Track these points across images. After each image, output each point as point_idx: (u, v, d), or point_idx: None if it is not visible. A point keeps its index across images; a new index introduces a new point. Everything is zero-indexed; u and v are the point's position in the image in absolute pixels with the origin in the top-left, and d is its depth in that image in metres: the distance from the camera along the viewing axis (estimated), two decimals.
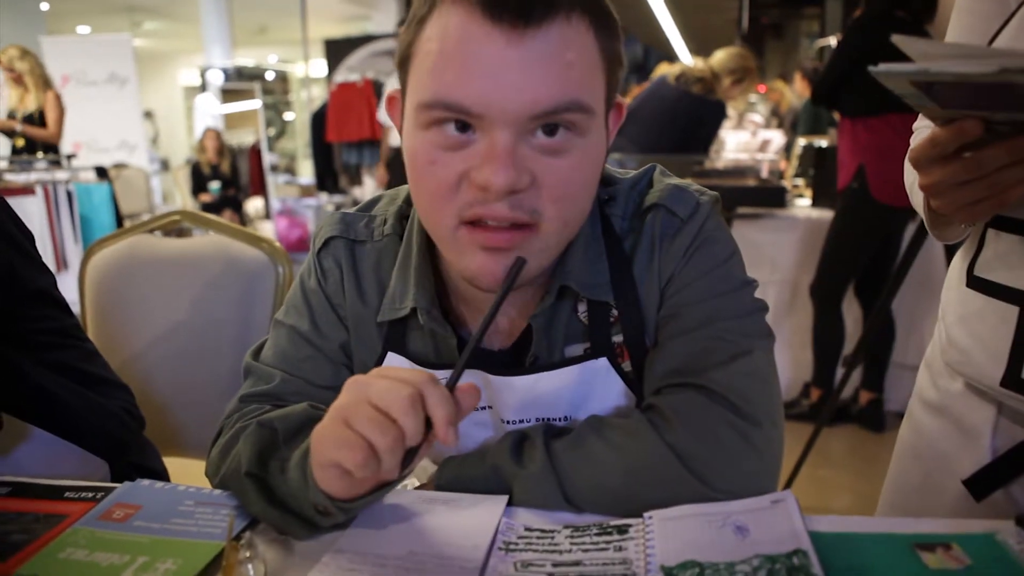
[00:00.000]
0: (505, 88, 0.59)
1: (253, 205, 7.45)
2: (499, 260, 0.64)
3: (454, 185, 0.63)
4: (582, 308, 0.75)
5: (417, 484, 0.88)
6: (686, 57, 14.40)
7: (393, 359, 0.77)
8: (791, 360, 3.19)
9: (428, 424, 0.57)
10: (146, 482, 0.72)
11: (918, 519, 0.61)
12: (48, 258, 4.03)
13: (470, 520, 0.65)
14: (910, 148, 0.63)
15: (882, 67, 0.54)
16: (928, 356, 0.87)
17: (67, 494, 0.71)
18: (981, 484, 0.74)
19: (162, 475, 1.06)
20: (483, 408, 0.77)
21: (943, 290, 0.83)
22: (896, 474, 0.89)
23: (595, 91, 0.63)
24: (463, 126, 0.62)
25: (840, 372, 2.90)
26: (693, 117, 3.48)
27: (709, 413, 0.67)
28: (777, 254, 3.16)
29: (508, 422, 0.76)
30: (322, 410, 0.66)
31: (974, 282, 0.74)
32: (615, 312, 0.74)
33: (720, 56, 3.49)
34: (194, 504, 0.68)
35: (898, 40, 0.54)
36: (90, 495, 0.70)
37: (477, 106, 0.59)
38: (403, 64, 0.66)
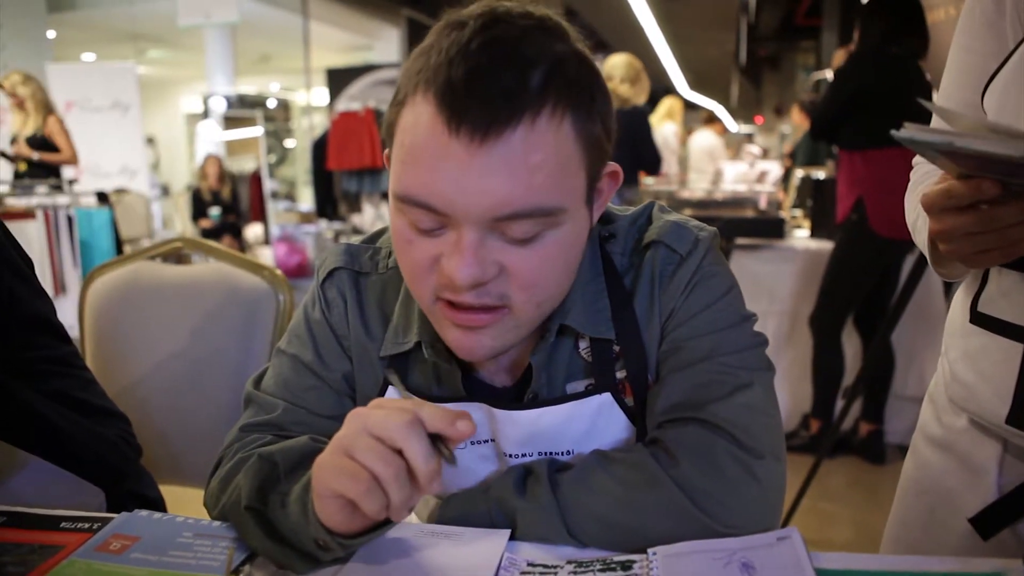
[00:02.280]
0: (468, 193, 0.59)
1: (253, 231, 7.47)
2: (472, 337, 0.66)
3: (427, 267, 0.64)
4: (583, 345, 0.75)
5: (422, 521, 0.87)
6: (684, 90, 14.55)
7: (394, 392, 0.77)
8: (790, 391, 3.18)
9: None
10: (144, 513, 0.71)
11: (924, 557, 0.61)
12: (47, 282, 4.03)
13: (472, 555, 0.64)
14: (923, 194, 0.64)
15: (905, 132, 0.55)
16: (931, 390, 0.87)
17: (63, 524, 0.70)
18: (988, 522, 0.74)
19: (159, 504, 1.05)
20: (485, 441, 0.76)
21: (946, 325, 0.83)
22: (900, 510, 0.88)
23: (567, 187, 0.62)
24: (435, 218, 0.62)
25: (840, 404, 2.89)
26: (624, 131, 3.60)
27: (712, 447, 0.67)
28: (775, 285, 3.17)
29: (510, 456, 0.75)
30: (324, 443, 0.65)
31: (977, 318, 0.74)
32: (617, 348, 0.74)
33: (614, 61, 3.66)
34: (193, 536, 0.67)
35: (933, 107, 0.55)
36: (87, 526, 0.69)
37: (442, 206, 0.60)
38: (389, 136, 0.67)
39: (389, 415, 0.57)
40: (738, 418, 0.68)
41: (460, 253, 0.61)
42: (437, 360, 0.74)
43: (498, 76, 0.57)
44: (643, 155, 3.62)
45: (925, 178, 0.85)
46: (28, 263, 0.93)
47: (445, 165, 0.59)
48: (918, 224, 0.80)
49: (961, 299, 0.80)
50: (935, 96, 2.78)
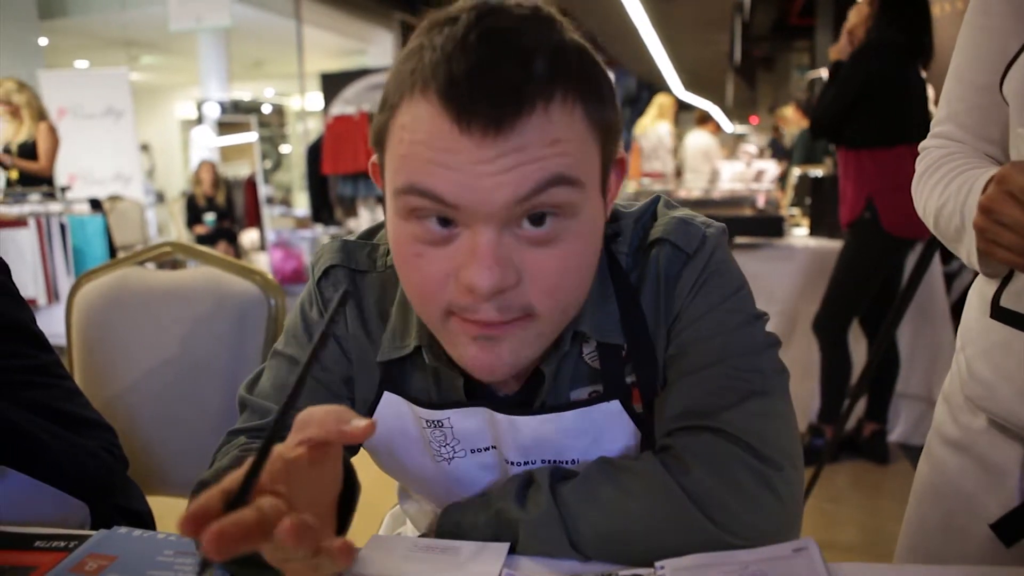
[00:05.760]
0: (482, 185, 0.54)
1: (248, 237, 7.43)
2: (492, 350, 0.60)
3: (440, 282, 0.59)
4: (587, 350, 0.71)
5: (420, 533, 0.84)
6: (680, 91, 14.56)
7: (390, 399, 0.73)
8: (791, 391, 3.14)
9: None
10: (123, 530, 0.68)
11: (944, 566, 0.58)
12: (40, 290, 3.99)
13: (470, 569, 0.60)
14: (1013, 164, 0.63)
15: None
16: (946, 389, 0.83)
17: (37, 543, 0.66)
18: (1010, 528, 0.70)
19: (146, 517, 1.01)
20: (487, 448, 0.73)
21: (962, 320, 0.80)
22: (915, 515, 0.85)
23: (584, 163, 0.58)
24: (445, 221, 0.57)
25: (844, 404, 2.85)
26: None
27: (726, 456, 0.63)
28: (775, 284, 3.13)
29: (513, 463, 0.72)
30: (250, 451, 0.61)
31: (999, 313, 0.71)
32: (624, 352, 0.71)
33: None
34: (174, 554, 0.64)
35: None
36: (62, 544, 0.65)
37: (451, 198, 0.55)
38: (379, 144, 0.62)
39: None
40: (754, 426, 0.64)
41: (478, 258, 0.55)
42: (438, 365, 0.70)
43: (503, 69, 0.53)
44: None
45: (935, 165, 0.82)
46: (4, 269, 0.90)
47: (455, 161, 0.54)
48: (945, 210, 0.76)
49: (979, 293, 0.77)
50: (930, 90, 2.76)
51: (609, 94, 0.61)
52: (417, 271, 0.60)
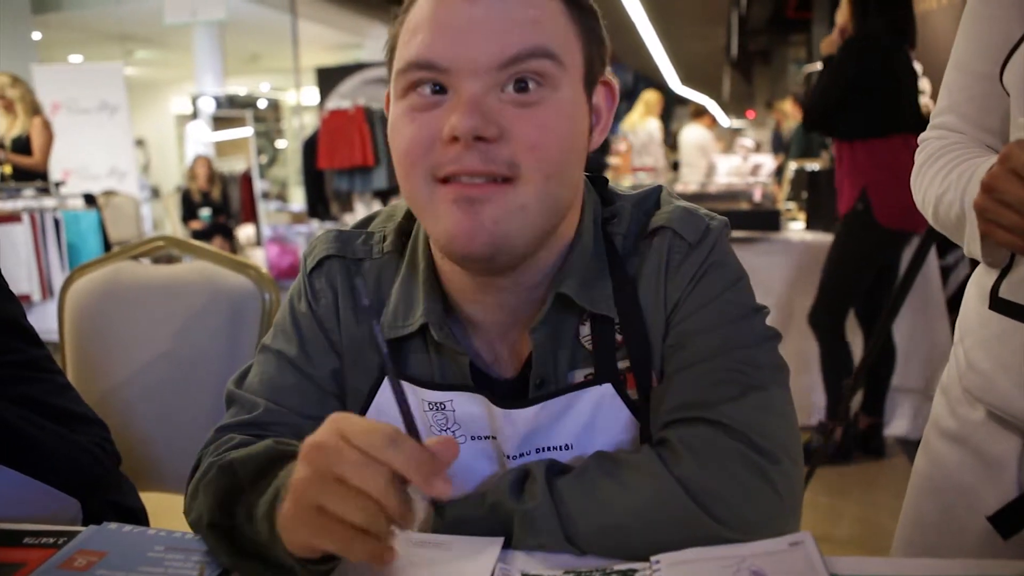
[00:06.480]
0: (470, 41, 0.61)
1: (244, 232, 7.41)
2: (474, 216, 0.62)
3: (428, 144, 0.63)
4: (584, 331, 0.71)
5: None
6: (676, 85, 14.53)
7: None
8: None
9: None
10: (113, 526, 0.67)
11: (941, 560, 0.57)
12: (34, 286, 3.98)
13: (462, 566, 0.60)
14: (990, 175, 0.62)
15: None
16: (944, 381, 0.83)
17: (26, 540, 0.65)
18: (1008, 521, 0.70)
19: (139, 513, 1.00)
20: (487, 438, 0.72)
21: (961, 311, 0.79)
22: (913, 508, 0.84)
23: (566, 48, 0.64)
24: (438, 88, 0.63)
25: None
26: None
27: (725, 449, 0.63)
28: (772, 278, 3.13)
29: (510, 457, 0.72)
30: (289, 446, 0.61)
31: (998, 304, 0.70)
32: (619, 337, 0.70)
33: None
34: (164, 549, 0.63)
35: None
36: (51, 541, 0.65)
37: (444, 60, 0.61)
38: (390, 55, 0.67)
39: (362, 465, 0.50)
40: (753, 420, 0.64)
41: (461, 106, 0.61)
42: (446, 342, 0.70)
43: None
44: None
45: (935, 155, 0.81)
46: None
47: (447, 19, 0.61)
48: (945, 199, 0.75)
49: (978, 284, 0.76)
50: (925, 84, 2.75)
51: (591, 11, 0.68)
52: (407, 133, 0.64)
